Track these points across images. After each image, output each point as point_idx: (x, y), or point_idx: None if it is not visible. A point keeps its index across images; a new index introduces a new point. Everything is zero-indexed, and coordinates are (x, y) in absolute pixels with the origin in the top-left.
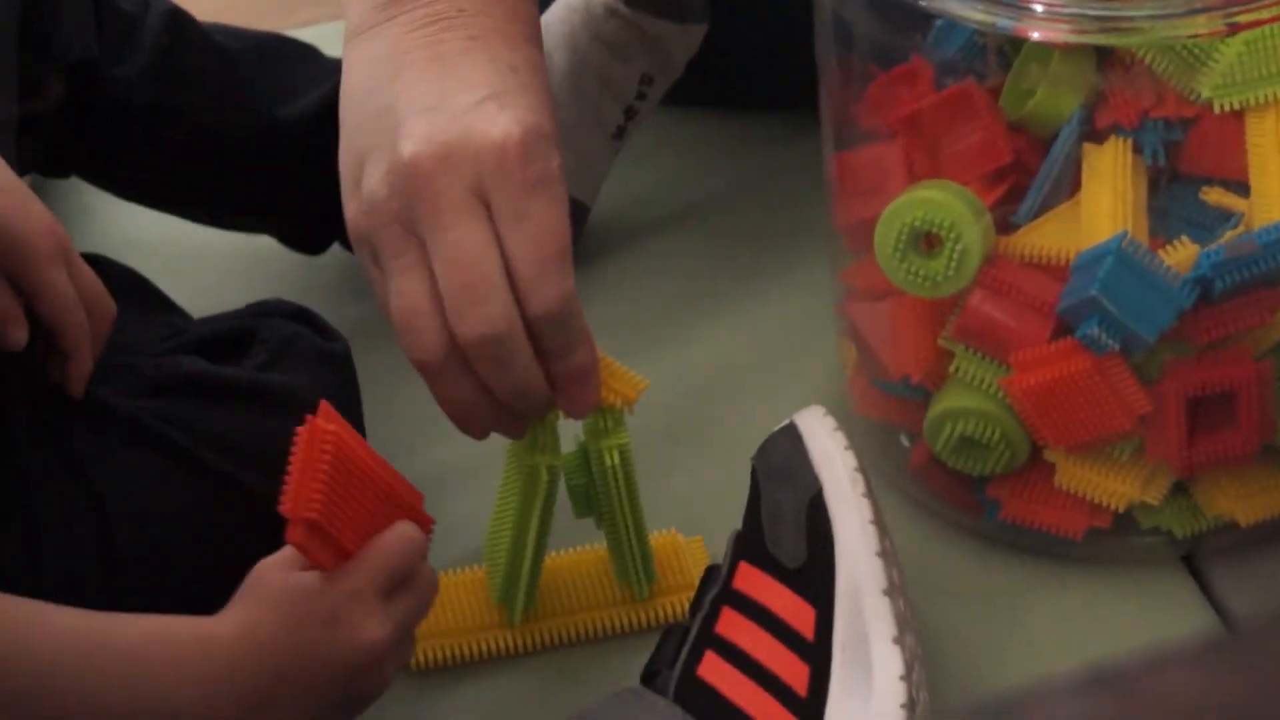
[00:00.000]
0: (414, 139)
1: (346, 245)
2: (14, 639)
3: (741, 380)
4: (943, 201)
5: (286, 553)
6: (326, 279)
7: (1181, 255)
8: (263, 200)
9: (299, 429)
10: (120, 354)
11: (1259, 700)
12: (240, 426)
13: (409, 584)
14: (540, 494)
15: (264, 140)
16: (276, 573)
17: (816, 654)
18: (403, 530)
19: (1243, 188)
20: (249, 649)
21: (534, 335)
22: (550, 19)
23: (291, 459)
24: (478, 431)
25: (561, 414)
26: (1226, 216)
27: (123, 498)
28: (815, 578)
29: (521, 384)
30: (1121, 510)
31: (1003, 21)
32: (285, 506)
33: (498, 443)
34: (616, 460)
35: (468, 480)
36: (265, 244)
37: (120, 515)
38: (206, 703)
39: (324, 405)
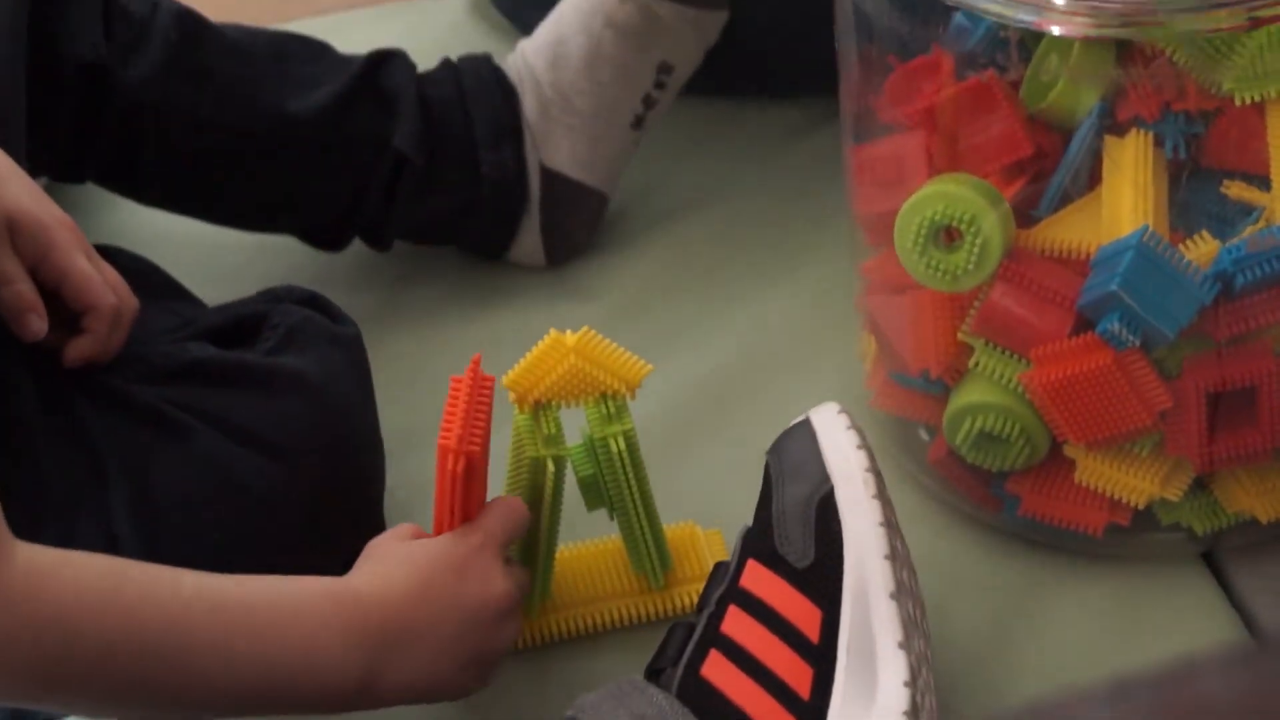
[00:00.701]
0: None
1: (367, 241)
2: (145, 595)
3: (760, 372)
4: (963, 195)
5: (400, 528)
6: (339, 268)
7: (1202, 250)
8: (279, 196)
9: (457, 377)
10: (132, 342)
11: None
12: (251, 409)
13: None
14: (548, 487)
15: (277, 136)
16: (396, 540)
17: (821, 657)
18: (514, 501)
19: (1264, 182)
20: (380, 600)
21: None
22: (566, 5)
23: (451, 402)
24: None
25: (564, 404)
26: (1248, 211)
27: (131, 481)
28: (823, 579)
29: None
30: (1141, 506)
31: (1023, 15)
32: (450, 440)
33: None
34: (622, 446)
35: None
36: (280, 237)
37: (131, 500)
38: (339, 653)
39: (476, 358)
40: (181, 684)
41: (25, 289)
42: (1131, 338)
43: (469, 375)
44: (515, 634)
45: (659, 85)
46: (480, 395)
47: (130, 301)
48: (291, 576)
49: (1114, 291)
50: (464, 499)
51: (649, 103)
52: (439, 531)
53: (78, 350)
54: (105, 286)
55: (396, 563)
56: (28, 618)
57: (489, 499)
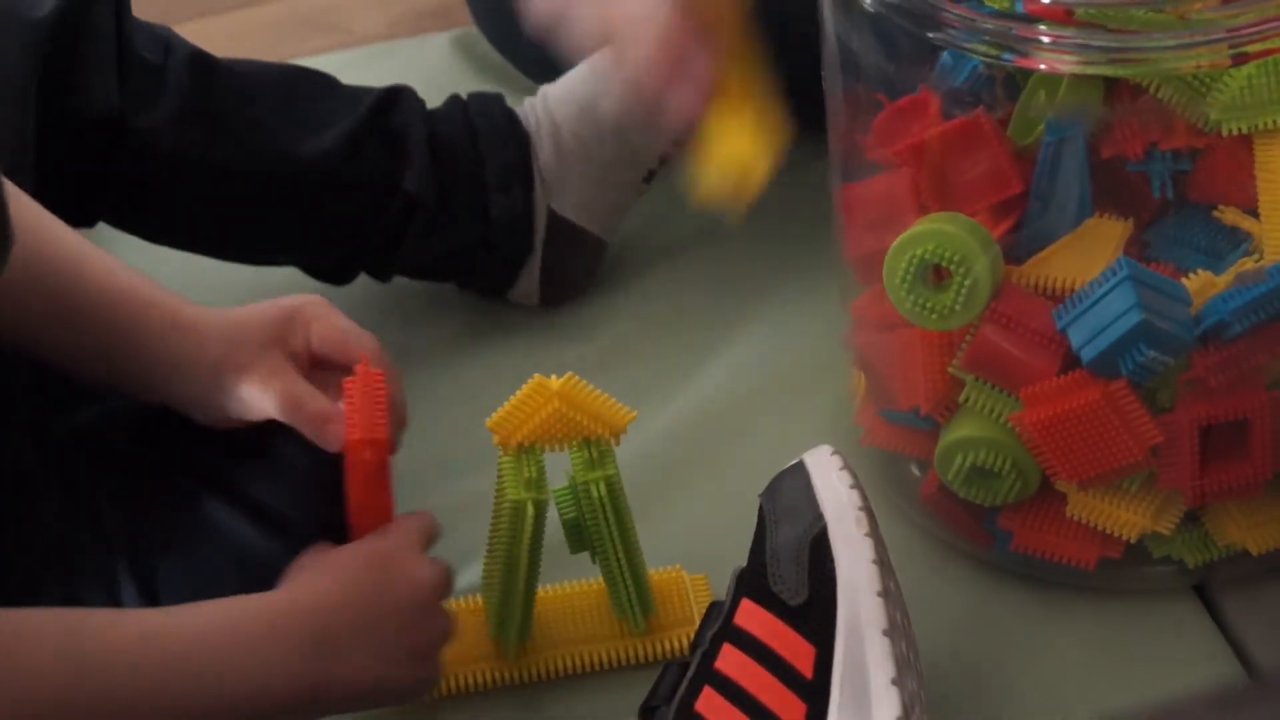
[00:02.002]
0: None
1: (373, 275)
2: (103, 647)
3: (751, 411)
4: (951, 234)
5: (320, 544)
6: (348, 305)
7: (1199, 284)
8: (288, 235)
9: (349, 379)
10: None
11: None
12: (256, 476)
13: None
14: (526, 529)
15: (288, 179)
16: (319, 551)
17: (815, 693)
18: (425, 511)
19: (1252, 214)
20: (311, 607)
21: None
22: (600, 62)
23: (348, 401)
24: None
25: (548, 448)
26: (1236, 243)
27: (135, 548)
28: (816, 616)
29: None
30: (1133, 540)
31: (1009, 53)
32: (356, 433)
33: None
34: (603, 492)
35: (472, 511)
36: (289, 271)
37: (131, 565)
38: (280, 666)
39: (364, 359)
40: None
41: (320, 405)
42: (1168, 359)
43: (359, 374)
44: (449, 624)
45: (676, 143)
46: (374, 391)
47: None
48: (224, 600)
49: (1142, 321)
50: (377, 492)
51: (664, 160)
52: (358, 535)
53: (396, 429)
54: (358, 332)
55: (323, 569)
56: None
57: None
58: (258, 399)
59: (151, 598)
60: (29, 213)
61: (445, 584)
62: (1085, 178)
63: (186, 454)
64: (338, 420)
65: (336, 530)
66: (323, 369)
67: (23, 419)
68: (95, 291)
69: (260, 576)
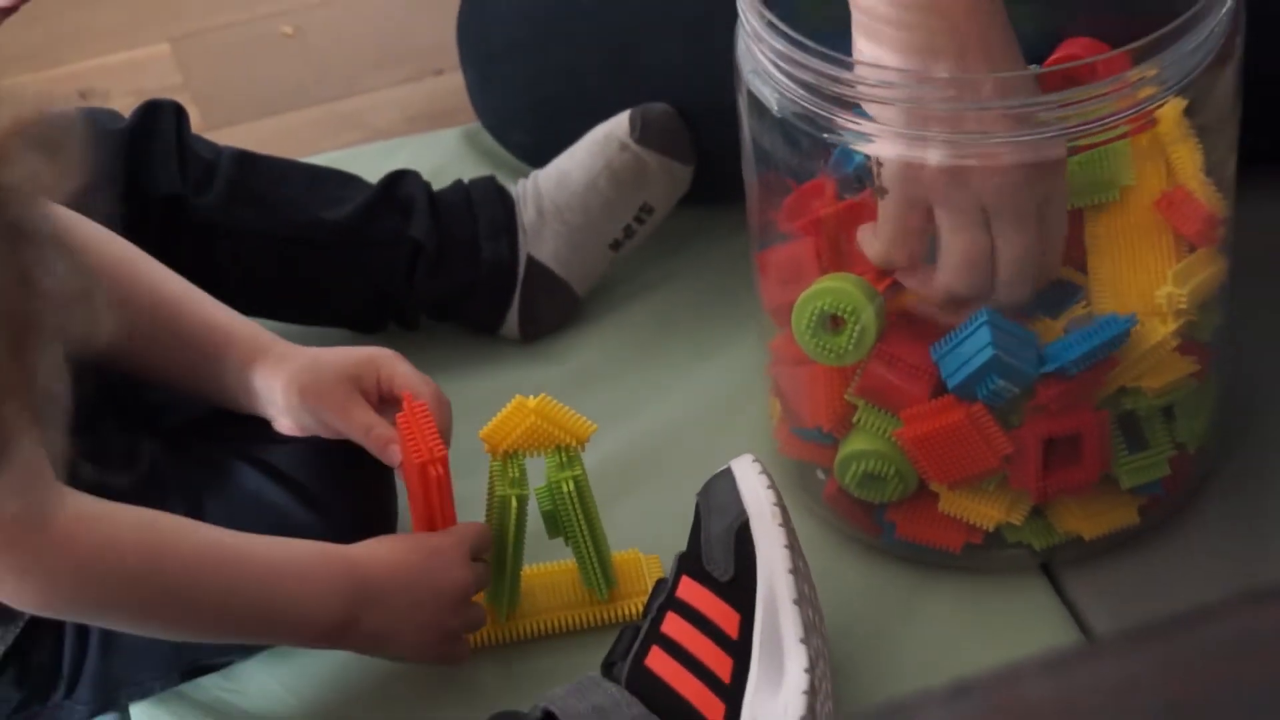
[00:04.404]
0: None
1: (399, 324)
2: (167, 543)
3: (691, 427)
4: (845, 290)
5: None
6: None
7: (1044, 327)
8: (323, 291)
9: (401, 414)
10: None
11: (1103, 705)
12: (284, 454)
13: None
14: (512, 519)
15: (318, 241)
16: (386, 536)
17: (739, 649)
18: (482, 525)
19: (1083, 271)
20: (365, 562)
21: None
22: (581, 144)
23: (405, 430)
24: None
25: (529, 454)
26: (1071, 296)
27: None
28: (741, 590)
29: None
30: (991, 529)
31: (887, 148)
32: (423, 455)
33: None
34: (572, 489)
35: (468, 505)
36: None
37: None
38: (323, 598)
39: (407, 396)
40: (193, 613)
41: (385, 430)
42: (1014, 388)
43: (407, 406)
44: (475, 620)
45: (639, 220)
46: (423, 419)
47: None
48: (297, 540)
49: (995, 355)
50: (441, 501)
51: (629, 232)
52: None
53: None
54: (421, 377)
55: (386, 543)
56: (71, 554)
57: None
58: (333, 421)
59: None
60: (144, 261)
61: (479, 586)
62: None
63: (236, 442)
64: (397, 442)
65: (342, 492)
66: (385, 405)
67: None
68: (201, 327)
69: (274, 522)
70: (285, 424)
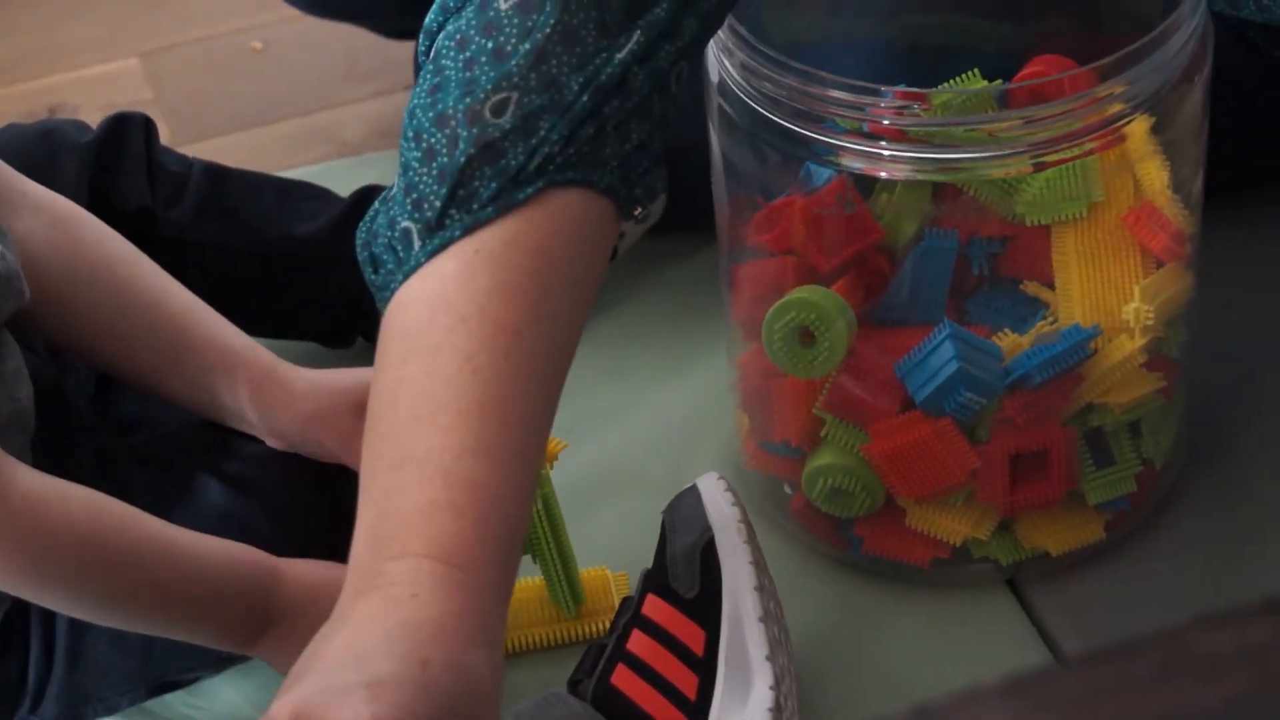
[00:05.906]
0: (287, 697)
1: (370, 339)
2: (115, 530)
3: (659, 444)
4: (816, 303)
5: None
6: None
7: (1008, 341)
8: (295, 306)
9: None
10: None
11: None
12: (247, 465)
13: None
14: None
15: (288, 255)
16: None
17: (705, 667)
18: None
19: (1050, 287)
20: (287, 576)
21: None
22: None
23: None
24: None
25: None
26: (1037, 310)
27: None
28: (706, 607)
29: None
30: (958, 544)
31: (855, 164)
32: None
33: None
34: (540, 506)
35: None
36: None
37: None
38: (240, 601)
39: None
40: (131, 602)
41: None
42: (982, 400)
43: None
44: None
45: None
46: None
47: None
48: (239, 544)
49: (960, 368)
50: None
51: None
52: None
53: None
54: None
55: (323, 568)
56: (22, 533)
57: None
58: (336, 450)
59: None
60: (150, 270)
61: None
62: (947, 279)
63: (204, 455)
64: None
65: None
66: None
67: (86, 425)
68: (201, 343)
69: (238, 538)
70: (276, 443)
